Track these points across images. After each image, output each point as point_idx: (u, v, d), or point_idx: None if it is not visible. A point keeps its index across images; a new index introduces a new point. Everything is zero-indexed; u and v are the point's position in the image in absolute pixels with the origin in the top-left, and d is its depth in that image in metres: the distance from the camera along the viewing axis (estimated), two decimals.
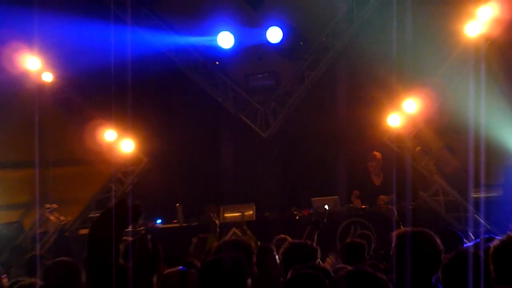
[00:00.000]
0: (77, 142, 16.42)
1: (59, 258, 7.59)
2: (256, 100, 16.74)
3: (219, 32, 16.49)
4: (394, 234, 6.09)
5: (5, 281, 8.96)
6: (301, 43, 16.87)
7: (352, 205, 14.87)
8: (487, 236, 8.37)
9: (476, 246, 7.01)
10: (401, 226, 9.16)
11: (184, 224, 14.63)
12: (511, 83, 15.11)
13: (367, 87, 15.29)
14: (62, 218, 16.07)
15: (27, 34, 15.89)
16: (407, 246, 5.61)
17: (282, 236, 8.58)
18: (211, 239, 10.64)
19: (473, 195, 13.62)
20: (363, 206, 14.72)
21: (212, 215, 12.47)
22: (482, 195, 13.69)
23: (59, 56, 16.50)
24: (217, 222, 11.73)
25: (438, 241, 5.73)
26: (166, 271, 6.67)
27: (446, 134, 15.17)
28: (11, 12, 15.66)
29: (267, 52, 17.14)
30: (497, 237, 7.28)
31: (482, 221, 13.38)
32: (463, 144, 13.28)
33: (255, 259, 6.61)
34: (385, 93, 14.93)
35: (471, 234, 10.43)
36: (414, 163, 14.50)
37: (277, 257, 6.91)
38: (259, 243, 9.48)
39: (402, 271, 5.30)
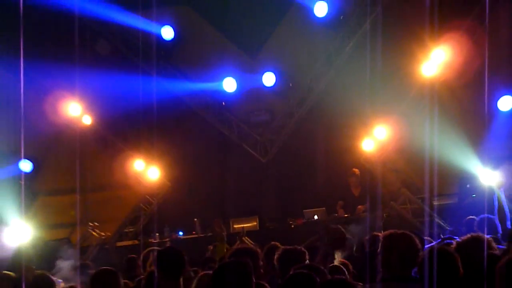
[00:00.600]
0: (112, 171, 17.62)
1: (102, 267, 8.13)
2: (256, 132, 17.98)
3: (224, 78, 17.67)
4: (382, 235, 6.83)
5: (62, 285, 9.68)
6: (291, 84, 18.08)
7: (337, 214, 15.73)
8: (447, 236, 9.54)
9: (440, 244, 7.44)
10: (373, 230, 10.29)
11: (202, 235, 15.86)
12: (460, 119, 15.82)
13: (345, 118, 16.24)
14: (102, 234, 17.21)
15: (70, 84, 16.80)
16: (393, 245, 6.19)
17: (273, 243, 8.89)
18: (219, 247, 12.07)
19: (434, 203, 15.27)
20: (346, 215, 15.59)
21: (217, 227, 14.28)
22: (442, 202, 15.54)
23: (96, 102, 17.53)
24: (223, 233, 13.53)
25: (417, 240, 6.33)
26: (202, 272, 7.44)
27: (409, 157, 15.95)
28: (56, 64, 16.71)
29: (264, 93, 18.31)
30: (455, 237, 8.58)
31: (442, 224, 14.62)
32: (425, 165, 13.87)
33: (261, 263, 7.31)
34: (360, 123, 16.12)
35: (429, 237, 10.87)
36: (384, 179, 15.63)
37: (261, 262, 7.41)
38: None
39: (388, 266, 5.89)
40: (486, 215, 11.84)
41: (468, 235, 6.33)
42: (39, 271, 10.21)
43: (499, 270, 4.68)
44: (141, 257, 10.50)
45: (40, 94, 17.47)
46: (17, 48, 14.05)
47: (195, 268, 9.76)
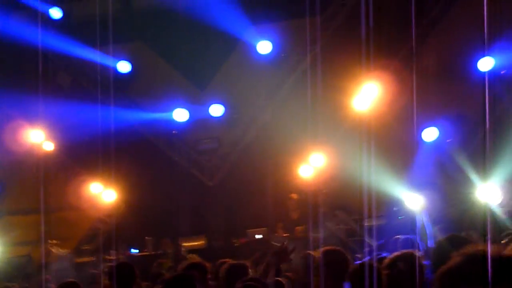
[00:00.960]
0: (71, 194, 17.31)
1: (65, 281, 8.41)
2: (204, 159, 18.46)
3: (175, 109, 18.07)
4: (321, 251, 6.92)
5: None
6: (236, 115, 18.50)
7: (277, 234, 16.19)
8: (377, 253, 9.36)
9: (370, 260, 7.34)
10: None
11: (153, 252, 16.26)
12: (390, 148, 16.04)
13: (286, 147, 16.59)
14: (61, 250, 16.94)
15: (33, 113, 16.78)
16: (327, 259, 6.44)
17: (223, 260, 8.93)
18: (166, 263, 12.93)
19: (366, 223, 15.37)
20: (285, 235, 15.93)
21: (167, 246, 15.05)
22: (372, 223, 15.34)
23: (58, 130, 17.51)
24: (169, 251, 14.26)
25: (348, 257, 6.75)
26: None
27: (343, 182, 15.82)
28: (19, 94, 16.91)
29: (212, 123, 18.70)
30: (385, 254, 8.61)
31: (373, 242, 13.85)
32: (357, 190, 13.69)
33: (209, 275, 7.71)
34: (299, 151, 16.38)
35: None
36: (321, 202, 15.64)
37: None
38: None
39: (325, 279, 6.11)
40: (409, 235, 12.12)
41: (399, 252, 6.50)
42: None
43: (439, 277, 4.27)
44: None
45: (3, 121, 17.52)
46: None
47: (147, 283, 10.31)
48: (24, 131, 17.39)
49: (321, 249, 6.93)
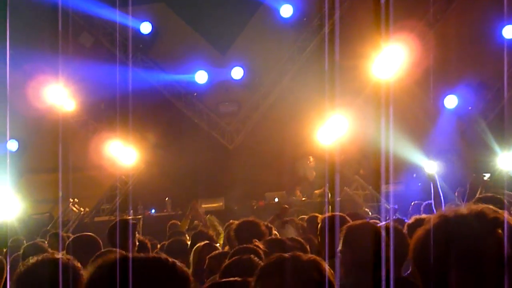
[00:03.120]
0: (92, 153, 17.41)
1: (81, 234, 7.80)
2: (224, 122, 18.41)
3: (196, 71, 18.08)
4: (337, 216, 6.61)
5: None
6: (257, 79, 18.49)
7: (295, 197, 16.22)
8: (396, 218, 9.67)
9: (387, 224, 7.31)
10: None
11: (172, 213, 15.88)
12: (410, 114, 16.19)
13: (306, 111, 16.51)
14: (81, 209, 17.24)
15: (55, 71, 16.89)
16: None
17: (231, 221, 8.60)
18: (183, 224, 12.21)
19: (384, 189, 15.18)
20: (303, 198, 16.18)
21: (195, 209, 14.70)
22: (390, 189, 15.48)
23: (79, 89, 17.71)
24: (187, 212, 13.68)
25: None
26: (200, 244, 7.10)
27: (362, 147, 16.40)
28: (41, 52, 17.09)
29: (232, 86, 18.78)
30: (404, 219, 8.96)
31: (390, 207, 14.14)
32: (376, 156, 15.02)
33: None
34: (318, 115, 16.22)
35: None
36: (340, 167, 15.48)
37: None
38: (221, 229, 9.84)
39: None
40: (430, 201, 11.55)
41: (415, 216, 6.41)
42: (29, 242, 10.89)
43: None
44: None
45: (26, 79, 17.45)
46: (3, 35, 14.64)
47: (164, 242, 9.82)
48: (45, 89, 17.51)
49: (337, 214, 6.72)
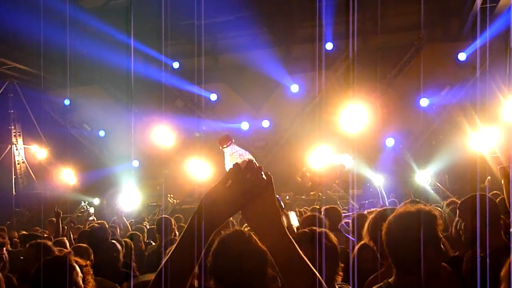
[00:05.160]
0: (180, 167, 16.48)
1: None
2: (257, 151, 17.59)
3: (242, 122, 18.29)
4: (323, 208, 6.39)
5: None
6: (277, 127, 18.32)
7: (298, 196, 15.63)
8: (357, 209, 9.98)
9: (353, 214, 6.77)
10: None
11: None
12: (366, 149, 15.62)
13: (303, 145, 15.97)
14: (174, 201, 17.34)
15: (162, 120, 17.05)
16: (327, 213, 5.93)
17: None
18: None
19: (351, 192, 15.24)
20: (303, 197, 15.62)
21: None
22: (355, 192, 15.35)
23: (175, 131, 17.53)
24: None
25: (340, 211, 6.25)
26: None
27: (340, 168, 15.05)
28: (153, 110, 17.01)
29: (262, 130, 18.64)
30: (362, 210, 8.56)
31: (355, 204, 13.43)
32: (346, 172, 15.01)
33: None
34: (309, 148, 15.54)
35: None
36: (324, 179, 14.75)
37: None
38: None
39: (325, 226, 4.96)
40: (373, 199, 12.66)
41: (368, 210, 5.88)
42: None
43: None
44: None
45: (144, 125, 17.70)
46: (128, 102, 16.35)
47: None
48: (155, 131, 17.72)
49: (323, 207, 6.63)
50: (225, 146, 1.61)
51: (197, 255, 1.52)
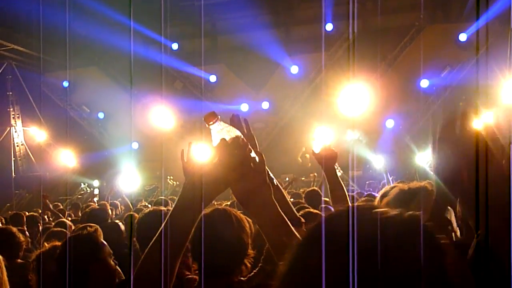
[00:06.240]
0: (179, 151, 18.01)
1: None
2: (256, 134, 17.50)
3: (241, 103, 18.23)
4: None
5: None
6: (277, 108, 18.32)
7: (298, 177, 14.91)
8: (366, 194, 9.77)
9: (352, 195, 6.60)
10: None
11: None
12: (367, 130, 15.63)
13: (302, 126, 15.18)
14: (175, 182, 16.80)
15: (161, 101, 17.01)
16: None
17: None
18: None
19: (350, 173, 14.68)
20: (302, 178, 15.32)
21: None
22: (354, 173, 15.44)
23: (174, 113, 17.51)
24: None
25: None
26: None
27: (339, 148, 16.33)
28: (152, 90, 16.87)
29: (263, 112, 18.69)
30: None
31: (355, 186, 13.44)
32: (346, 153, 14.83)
33: None
34: (309, 130, 16.59)
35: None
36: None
37: None
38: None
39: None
40: (373, 181, 12.79)
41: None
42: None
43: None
44: None
45: (143, 107, 17.67)
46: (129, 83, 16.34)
47: None
48: (154, 112, 17.76)
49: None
50: (211, 123, 1.58)
51: (185, 235, 1.49)
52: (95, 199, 13.87)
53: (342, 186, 3.57)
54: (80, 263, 2.59)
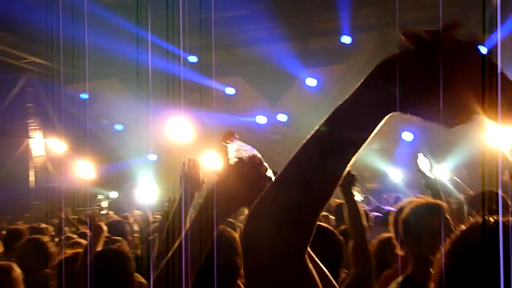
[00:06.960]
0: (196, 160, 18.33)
1: None
2: (274, 145, 18.05)
3: (258, 115, 18.58)
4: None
5: None
6: (292, 120, 18.30)
7: None
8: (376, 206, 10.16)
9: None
10: None
11: None
12: (383, 145, 15.59)
13: None
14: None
15: (176, 115, 16.53)
16: None
17: None
18: None
19: (366, 186, 14.87)
20: None
21: None
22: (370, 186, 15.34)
23: (192, 122, 16.83)
24: None
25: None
26: None
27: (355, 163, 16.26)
28: (165, 105, 16.19)
29: (279, 124, 19.06)
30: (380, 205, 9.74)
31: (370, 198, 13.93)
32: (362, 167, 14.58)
33: None
34: None
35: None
36: None
37: None
38: None
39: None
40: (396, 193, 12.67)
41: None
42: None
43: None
44: None
45: (161, 120, 17.07)
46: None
47: None
48: (171, 125, 17.17)
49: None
50: (229, 142, 1.62)
51: (202, 250, 1.53)
52: (102, 212, 13.90)
53: (358, 209, 3.77)
54: (110, 277, 2.65)
